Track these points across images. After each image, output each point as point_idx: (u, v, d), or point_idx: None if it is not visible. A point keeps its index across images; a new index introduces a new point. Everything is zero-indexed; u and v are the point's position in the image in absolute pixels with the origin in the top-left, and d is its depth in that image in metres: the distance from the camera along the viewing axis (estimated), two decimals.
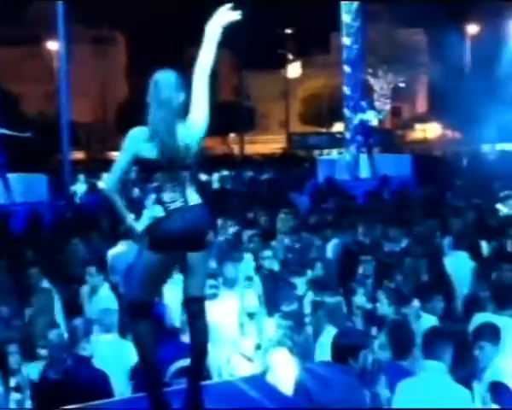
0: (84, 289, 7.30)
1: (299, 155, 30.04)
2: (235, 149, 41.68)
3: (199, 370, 4.17)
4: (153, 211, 3.98)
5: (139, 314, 4.07)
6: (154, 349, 4.13)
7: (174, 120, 3.94)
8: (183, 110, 3.99)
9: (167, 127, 3.91)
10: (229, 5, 4.13)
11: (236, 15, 4.11)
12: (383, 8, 42.53)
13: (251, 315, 5.95)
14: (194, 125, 4.00)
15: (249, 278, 7.20)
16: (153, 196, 4.06)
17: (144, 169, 4.04)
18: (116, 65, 55.92)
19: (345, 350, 4.22)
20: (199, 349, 4.13)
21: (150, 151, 3.89)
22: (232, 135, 46.46)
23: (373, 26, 37.48)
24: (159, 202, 3.96)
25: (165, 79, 3.99)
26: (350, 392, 3.97)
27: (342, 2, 18.71)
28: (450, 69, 37.52)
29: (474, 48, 45.93)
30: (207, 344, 4.21)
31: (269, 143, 44.45)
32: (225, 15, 4.10)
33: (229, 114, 41.87)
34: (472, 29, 48.37)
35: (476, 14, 42.82)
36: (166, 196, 3.94)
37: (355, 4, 18.63)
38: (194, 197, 4.01)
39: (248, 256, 7.90)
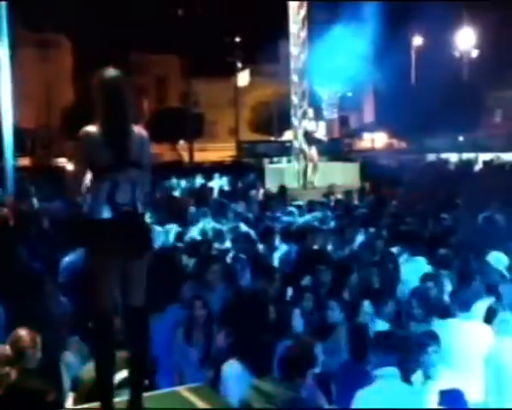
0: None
1: (248, 163, 30.07)
2: (185, 156, 41.47)
3: (140, 380, 4.10)
4: (102, 210, 3.86)
5: (98, 326, 3.97)
6: (111, 362, 4.03)
7: (127, 119, 3.94)
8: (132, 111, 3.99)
9: (121, 125, 3.91)
10: None
11: None
12: (330, 18, 43.12)
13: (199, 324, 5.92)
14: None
15: None
16: (104, 195, 3.87)
17: (98, 168, 3.89)
18: (61, 68, 54.99)
19: (292, 368, 4.25)
20: (140, 360, 4.07)
21: (104, 149, 3.84)
22: (181, 142, 46.27)
23: (320, 35, 38.03)
24: (110, 201, 3.85)
25: (116, 77, 3.98)
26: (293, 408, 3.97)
27: (290, 12, 18.93)
28: (395, 79, 38.24)
29: (419, 58, 47.06)
30: (148, 355, 4.17)
31: (218, 151, 44.42)
32: None
33: (178, 121, 41.72)
34: (417, 40, 49.58)
35: (421, 24, 43.87)
36: (118, 197, 3.86)
37: (302, 14, 18.88)
38: (141, 204, 3.96)
39: None
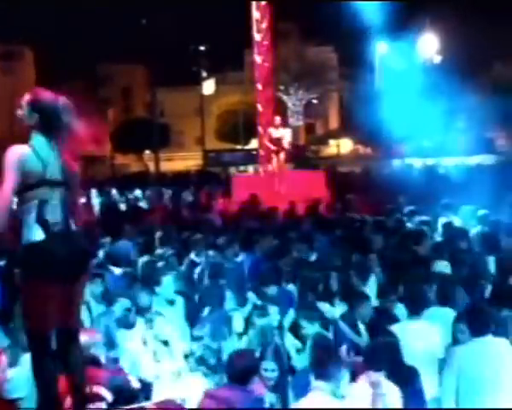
0: None
1: (214, 172, 30.00)
2: (150, 166, 41.28)
3: (82, 393, 4.11)
4: (33, 232, 3.82)
5: (38, 347, 3.93)
6: (55, 382, 4.00)
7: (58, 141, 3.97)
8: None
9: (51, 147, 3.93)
10: None
11: None
12: (294, 27, 43.51)
13: (165, 342, 5.86)
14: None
15: (170, 302, 7.05)
16: (33, 214, 3.86)
17: (28, 185, 3.87)
18: (24, 80, 54.32)
19: (239, 374, 4.41)
20: (79, 376, 4.07)
21: (36, 166, 3.85)
22: (147, 152, 46.03)
23: (283, 43, 38.30)
24: (40, 221, 3.81)
25: (63, 104, 4.00)
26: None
27: (253, 21, 18.99)
28: (360, 86, 38.63)
29: (384, 65, 47.58)
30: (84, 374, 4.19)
31: (185, 160, 44.30)
32: None
33: (143, 131, 41.47)
34: (381, 47, 50.11)
35: (386, 32, 44.39)
36: (49, 216, 3.83)
37: (265, 23, 18.95)
38: (72, 222, 3.94)
39: (168, 278, 7.67)
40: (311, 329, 5.83)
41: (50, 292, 3.83)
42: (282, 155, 17.55)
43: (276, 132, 17.47)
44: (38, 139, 3.94)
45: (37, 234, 3.79)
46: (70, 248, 3.84)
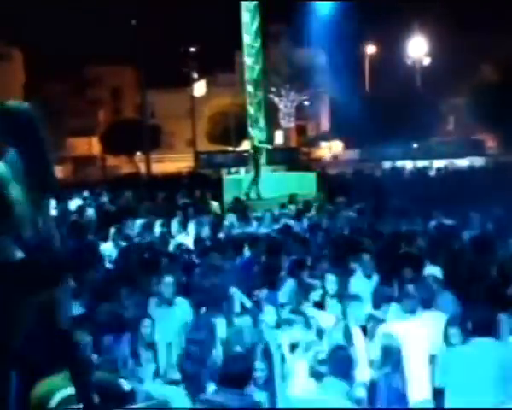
0: None
1: (206, 174, 29.88)
2: (142, 167, 41.14)
3: (86, 397, 4.07)
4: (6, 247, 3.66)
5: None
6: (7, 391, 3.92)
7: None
8: None
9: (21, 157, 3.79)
10: None
11: None
12: (284, 28, 43.58)
13: (150, 345, 5.86)
14: None
15: (169, 302, 6.91)
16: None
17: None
18: (13, 82, 54.03)
19: (235, 378, 4.36)
20: (82, 380, 4.05)
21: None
22: (138, 153, 45.87)
23: (274, 45, 38.34)
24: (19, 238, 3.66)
25: (29, 111, 3.87)
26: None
27: (243, 23, 19.00)
28: (350, 88, 38.65)
29: (373, 67, 47.75)
30: (88, 371, 4.19)
31: (176, 162, 44.15)
32: None
33: (134, 133, 41.32)
34: (370, 49, 50.29)
35: (375, 34, 44.54)
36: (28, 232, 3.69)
37: (255, 25, 18.95)
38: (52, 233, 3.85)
39: (168, 279, 7.54)
40: (293, 334, 5.80)
41: (22, 303, 3.75)
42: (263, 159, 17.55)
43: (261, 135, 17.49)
44: (9, 152, 3.76)
45: (16, 253, 3.65)
46: (46, 259, 3.73)
